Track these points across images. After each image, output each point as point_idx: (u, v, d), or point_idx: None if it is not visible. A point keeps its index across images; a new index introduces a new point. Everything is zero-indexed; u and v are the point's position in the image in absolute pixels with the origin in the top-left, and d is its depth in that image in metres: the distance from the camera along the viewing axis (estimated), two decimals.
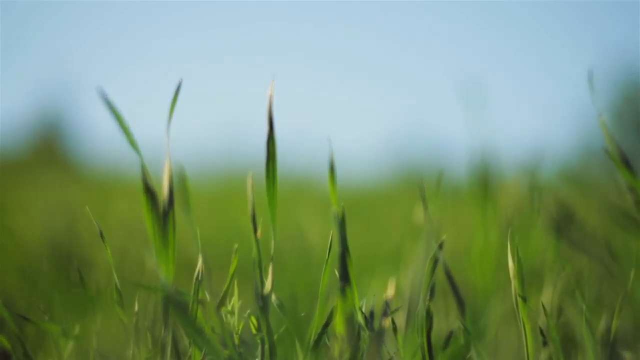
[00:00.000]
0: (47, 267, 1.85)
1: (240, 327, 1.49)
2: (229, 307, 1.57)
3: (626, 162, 1.65)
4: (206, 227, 2.75)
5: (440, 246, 1.89)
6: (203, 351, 1.39)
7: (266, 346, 1.43)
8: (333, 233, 1.54)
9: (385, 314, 1.53)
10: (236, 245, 1.99)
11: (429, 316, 1.58)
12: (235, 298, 1.73)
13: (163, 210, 1.51)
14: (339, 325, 1.44)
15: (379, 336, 1.46)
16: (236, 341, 1.44)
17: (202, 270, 1.64)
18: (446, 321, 1.86)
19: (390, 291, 1.63)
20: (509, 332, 1.82)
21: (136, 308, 1.51)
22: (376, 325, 1.55)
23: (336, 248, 1.54)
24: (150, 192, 1.33)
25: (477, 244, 1.95)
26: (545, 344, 1.65)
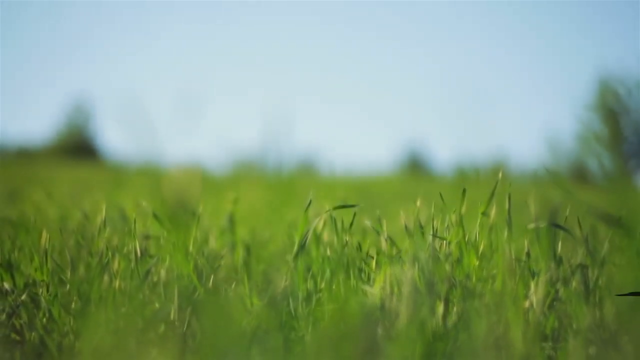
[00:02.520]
0: (68, 257, 1.86)
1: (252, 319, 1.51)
2: (244, 299, 1.60)
3: (606, 168, 1.67)
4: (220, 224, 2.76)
5: (434, 242, 1.91)
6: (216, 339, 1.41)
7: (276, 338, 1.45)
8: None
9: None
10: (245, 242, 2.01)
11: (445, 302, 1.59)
12: (246, 292, 1.75)
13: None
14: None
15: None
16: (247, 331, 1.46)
17: (216, 264, 1.67)
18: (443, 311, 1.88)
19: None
20: (500, 320, 1.84)
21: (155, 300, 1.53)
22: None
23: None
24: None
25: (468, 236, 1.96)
26: (534, 330, 1.67)
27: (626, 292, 1.73)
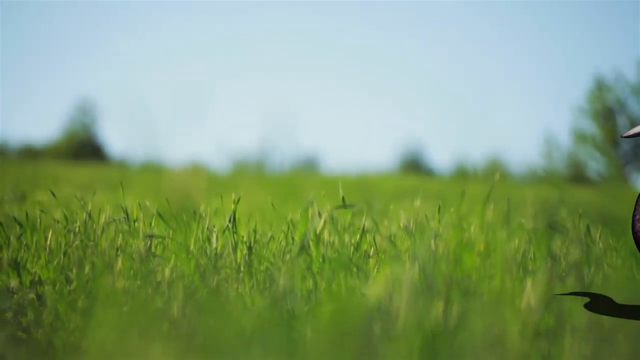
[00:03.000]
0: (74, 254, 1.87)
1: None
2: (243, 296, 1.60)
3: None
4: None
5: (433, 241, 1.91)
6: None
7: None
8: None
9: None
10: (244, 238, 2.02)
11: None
12: (246, 289, 1.76)
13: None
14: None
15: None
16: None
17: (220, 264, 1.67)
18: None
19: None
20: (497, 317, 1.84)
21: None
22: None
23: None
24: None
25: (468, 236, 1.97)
26: (531, 328, 1.67)
27: (616, 291, 1.74)
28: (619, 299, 1.77)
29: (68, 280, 1.73)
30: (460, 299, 1.81)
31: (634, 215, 1.71)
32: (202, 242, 1.97)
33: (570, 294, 1.86)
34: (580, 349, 1.59)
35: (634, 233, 1.69)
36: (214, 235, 2.14)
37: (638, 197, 1.72)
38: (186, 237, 1.88)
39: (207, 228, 2.18)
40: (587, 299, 1.84)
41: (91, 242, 2.03)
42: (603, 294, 1.84)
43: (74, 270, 1.75)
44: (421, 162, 25.09)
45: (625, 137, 1.79)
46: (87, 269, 1.77)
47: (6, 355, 1.43)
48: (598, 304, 1.80)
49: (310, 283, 1.74)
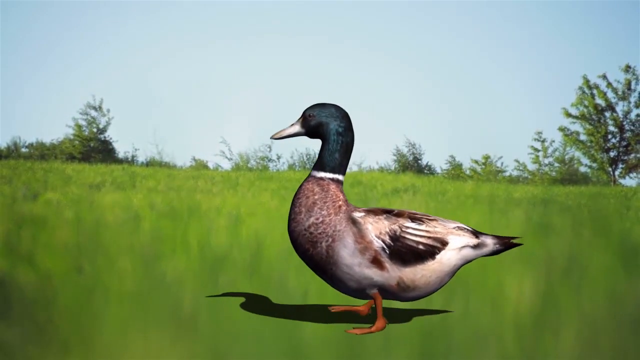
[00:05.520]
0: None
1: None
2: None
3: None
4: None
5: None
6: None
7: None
8: None
9: None
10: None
11: None
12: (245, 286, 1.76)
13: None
14: None
15: None
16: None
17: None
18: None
19: None
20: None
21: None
22: None
23: None
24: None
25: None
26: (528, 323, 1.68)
27: (602, 288, 1.74)
28: (614, 294, 1.76)
29: (79, 278, 1.73)
30: (458, 297, 1.82)
31: (289, 215, 1.60)
32: (208, 241, 1.98)
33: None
34: (576, 343, 1.59)
35: (290, 232, 1.59)
36: (219, 235, 2.15)
37: (294, 197, 1.61)
38: (192, 236, 1.88)
39: (213, 227, 2.19)
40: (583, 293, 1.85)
41: (100, 241, 2.04)
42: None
43: (84, 268, 1.76)
44: (418, 160, 25.14)
45: (275, 138, 1.66)
46: (96, 267, 1.77)
47: (18, 350, 1.44)
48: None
49: (310, 282, 1.74)
